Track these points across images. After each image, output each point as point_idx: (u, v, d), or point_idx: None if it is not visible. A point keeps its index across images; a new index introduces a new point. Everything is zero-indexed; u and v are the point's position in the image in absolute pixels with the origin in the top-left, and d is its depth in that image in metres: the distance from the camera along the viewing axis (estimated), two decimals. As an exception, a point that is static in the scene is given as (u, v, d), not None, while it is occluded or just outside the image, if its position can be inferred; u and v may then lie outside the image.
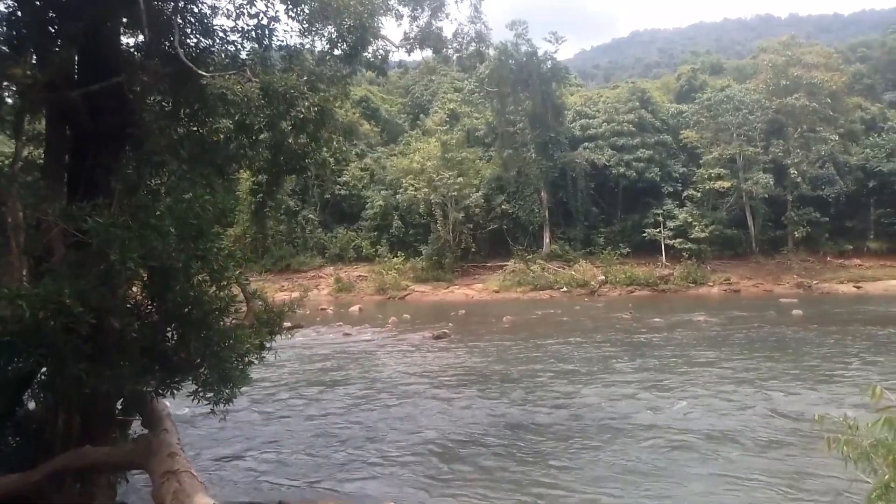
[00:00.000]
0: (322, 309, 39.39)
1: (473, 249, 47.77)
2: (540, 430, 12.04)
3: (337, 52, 9.17)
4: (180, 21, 7.42)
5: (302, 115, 6.67)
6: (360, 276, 48.94)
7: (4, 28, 7.24)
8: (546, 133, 47.01)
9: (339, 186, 54.47)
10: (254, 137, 7.73)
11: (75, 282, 5.87)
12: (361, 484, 9.68)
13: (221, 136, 7.83)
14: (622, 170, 46.15)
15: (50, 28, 7.37)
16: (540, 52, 47.07)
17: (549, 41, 47.14)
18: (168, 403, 10.20)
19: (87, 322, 5.97)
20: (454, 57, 17.82)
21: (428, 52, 17.82)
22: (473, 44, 17.12)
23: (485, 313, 33.72)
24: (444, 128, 53.54)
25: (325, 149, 18.78)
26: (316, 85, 8.26)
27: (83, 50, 7.96)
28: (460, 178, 46.44)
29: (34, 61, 7.40)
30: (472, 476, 9.88)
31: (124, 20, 7.64)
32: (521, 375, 17.14)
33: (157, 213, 6.07)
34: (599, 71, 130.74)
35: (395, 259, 48.35)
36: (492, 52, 48.23)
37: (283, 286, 50.11)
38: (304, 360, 20.59)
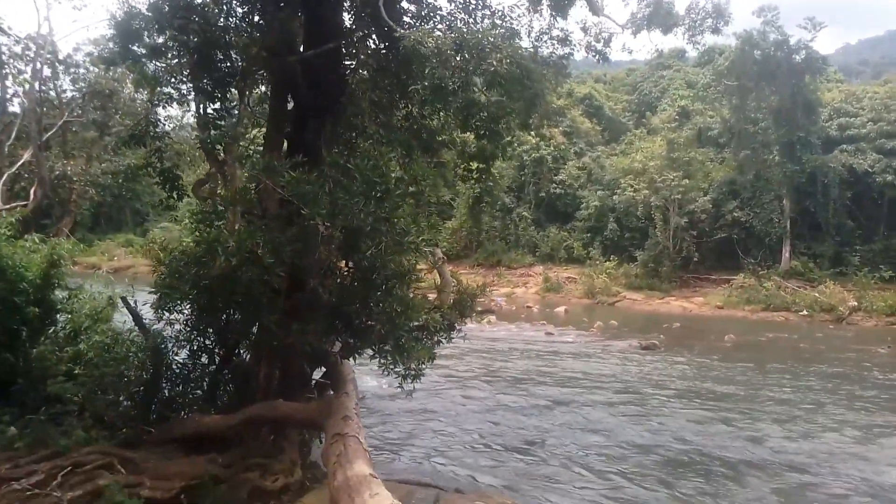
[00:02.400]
0: (528, 307, 39.11)
1: (696, 259, 43.76)
2: (732, 465, 10.20)
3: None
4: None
5: (494, 68, 6.14)
6: (569, 277, 47.77)
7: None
8: (794, 132, 41.19)
9: (554, 185, 53.75)
10: (449, 99, 7.39)
11: (270, 234, 6.02)
12: (537, 492, 8.93)
13: (418, 99, 7.57)
14: (890, 178, 38.73)
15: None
16: (792, 41, 41.34)
17: (805, 27, 41.20)
18: (358, 373, 10.51)
19: (277, 274, 6.11)
20: (686, 37, 16.03)
21: (657, 35, 16.34)
22: (710, 19, 15.17)
23: (703, 329, 30.60)
24: (673, 125, 49.85)
25: (532, 133, 18.18)
26: (515, 46, 7.60)
27: (307, 16, 8.34)
28: (686, 180, 42.83)
29: (258, 27, 7.87)
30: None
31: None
32: (734, 399, 14.92)
33: (346, 171, 5.98)
34: (867, 68, 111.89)
35: (608, 263, 46.25)
36: (733, 41, 43.79)
37: (492, 281, 51.06)
38: (500, 354, 20.34)
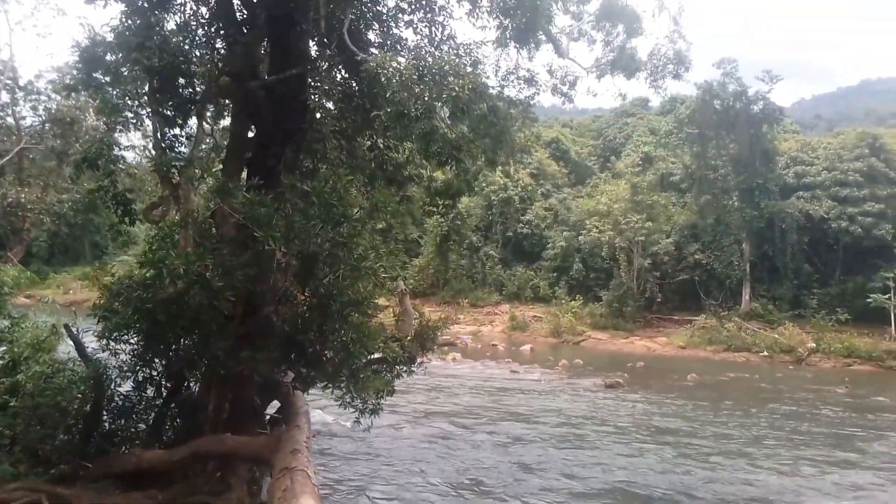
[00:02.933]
0: (493, 345, 38.90)
1: (659, 300, 44.33)
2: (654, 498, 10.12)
3: (508, 35, 8.48)
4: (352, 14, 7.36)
5: (455, 93, 6.14)
6: (535, 316, 47.82)
7: (196, 20, 7.73)
8: (752, 179, 42.54)
9: (521, 225, 54.29)
10: (411, 126, 7.36)
11: (221, 257, 5.82)
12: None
13: (380, 126, 7.53)
14: (844, 224, 40.10)
15: (238, 16, 7.69)
16: (750, 92, 43.03)
17: (762, 80, 42.97)
18: (314, 408, 10.17)
19: (227, 299, 5.89)
20: (648, 82, 16.49)
21: (620, 79, 16.77)
22: (671, 65, 15.67)
23: (666, 368, 30.76)
24: (636, 170, 51.07)
25: (499, 170, 18.30)
26: (477, 74, 7.67)
27: (272, 42, 8.30)
28: (649, 223, 43.68)
29: (221, 52, 7.80)
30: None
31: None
32: (696, 437, 14.90)
33: (304, 195, 5.86)
34: (821, 121, 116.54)
35: (573, 302, 46.48)
36: (694, 91, 45.41)
37: (459, 319, 50.83)
38: (463, 391, 20.09)
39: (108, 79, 8.95)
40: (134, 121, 9.32)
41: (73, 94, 15.96)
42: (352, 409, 9.30)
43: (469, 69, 7.21)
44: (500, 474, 11.10)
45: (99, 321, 6.05)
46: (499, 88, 14.32)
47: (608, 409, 18.10)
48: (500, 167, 18.51)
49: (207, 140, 9.32)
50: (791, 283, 41.71)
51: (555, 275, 51.15)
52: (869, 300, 37.78)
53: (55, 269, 51.06)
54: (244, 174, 8.66)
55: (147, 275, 5.69)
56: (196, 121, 8.43)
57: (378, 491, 10.00)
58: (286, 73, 7.71)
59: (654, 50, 16.03)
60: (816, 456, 13.70)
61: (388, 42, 8.20)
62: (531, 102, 15.17)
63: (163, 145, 8.18)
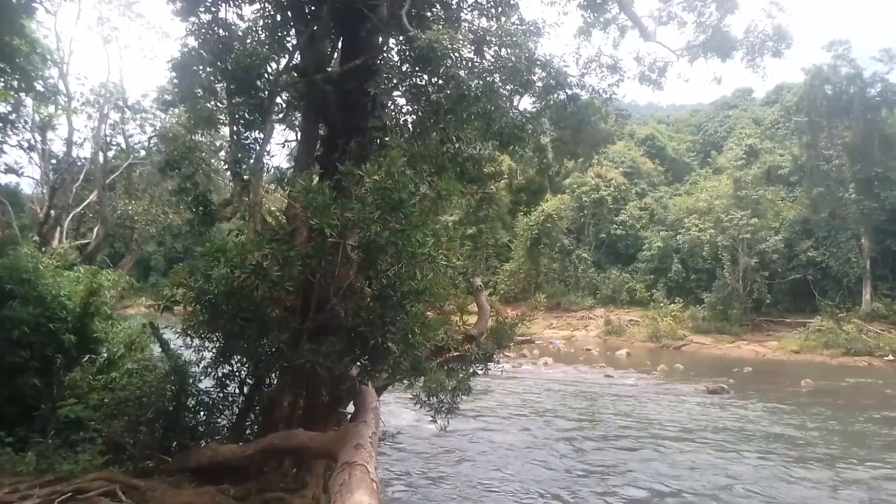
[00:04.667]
0: (587, 350, 37.73)
1: (768, 301, 41.44)
2: None
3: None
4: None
5: (512, 63, 5.72)
6: (631, 320, 46.03)
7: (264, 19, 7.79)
8: (871, 169, 38.83)
9: (615, 226, 52.52)
10: (471, 107, 6.99)
11: (279, 247, 5.73)
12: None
13: (442, 111, 7.21)
14: (980, 214, 35.86)
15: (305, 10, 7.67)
16: (866, 74, 39.42)
17: (880, 60, 39.22)
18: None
19: (286, 289, 5.80)
20: (745, 62, 15.28)
21: (714, 62, 15.68)
22: (770, 42, 14.44)
23: (777, 373, 28.54)
24: (739, 163, 48.09)
25: (581, 162, 17.58)
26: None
27: (344, 38, 8.26)
28: (755, 220, 40.92)
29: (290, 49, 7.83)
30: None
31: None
32: (811, 445, 13.49)
33: (358, 180, 5.67)
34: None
35: (673, 305, 44.35)
36: (802, 77, 42.19)
37: (552, 324, 49.79)
38: (552, 396, 19.42)
39: (199, 91, 9.29)
40: (214, 124, 9.62)
41: (171, 109, 16.86)
42: (427, 409, 9.24)
43: (530, 38, 6.76)
44: (578, 479, 10.47)
45: (162, 312, 6.13)
46: (579, 77, 13.84)
47: (709, 416, 16.85)
48: (584, 162, 17.80)
49: (282, 140, 9.44)
50: (919, 281, 37.72)
51: (652, 277, 49.07)
52: None
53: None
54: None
55: (203, 262, 5.69)
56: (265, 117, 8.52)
57: (445, 490, 9.70)
58: (351, 65, 7.59)
59: (750, 27, 14.87)
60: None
61: (454, 25, 7.91)
62: (615, 91, 14.46)
63: (237, 144, 8.33)
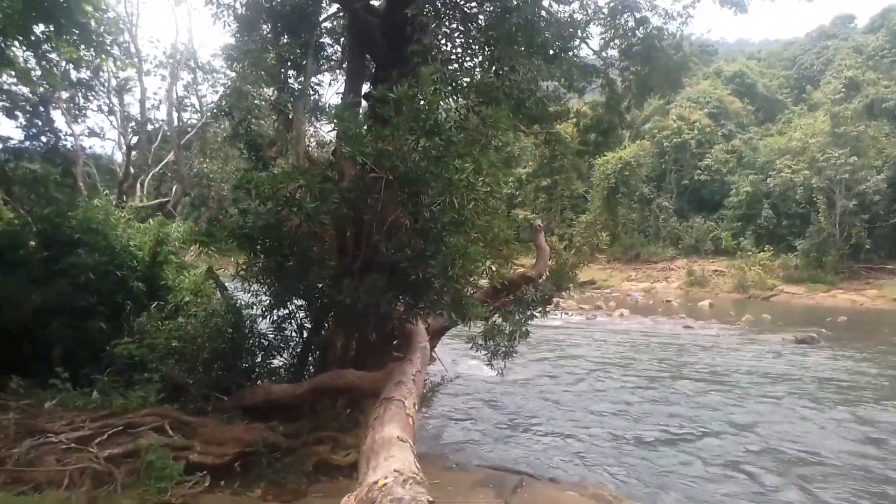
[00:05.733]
0: (667, 301, 36.43)
1: (868, 247, 38.39)
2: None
3: None
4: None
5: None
6: (716, 270, 43.99)
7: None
8: None
9: (699, 171, 49.83)
10: (511, 17, 6.42)
11: (313, 178, 5.53)
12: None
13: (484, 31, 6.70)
14: None
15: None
16: None
17: None
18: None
19: (322, 223, 5.62)
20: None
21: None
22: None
23: (876, 322, 26.54)
24: (838, 97, 44.15)
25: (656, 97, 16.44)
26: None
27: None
28: (855, 158, 37.68)
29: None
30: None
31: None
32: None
33: (393, 105, 5.34)
34: None
35: (762, 254, 41.94)
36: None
37: (630, 276, 48.39)
38: (626, 347, 18.80)
39: (259, 45, 9.24)
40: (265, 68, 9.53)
41: (236, 64, 17.00)
42: (485, 352, 9.02)
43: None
44: (616, 428, 10.00)
45: (198, 245, 6.12)
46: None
47: (795, 365, 15.78)
48: (658, 97, 16.61)
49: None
50: None
51: (739, 224, 46.49)
52: None
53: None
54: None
55: (237, 196, 5.58)
56: (314, 57, 8.33)
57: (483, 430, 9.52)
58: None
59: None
60: None
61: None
62: (690, 14, 13.24)
63: (282, 84, 8.20)
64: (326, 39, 10.43)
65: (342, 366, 7.86)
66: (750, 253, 42.57)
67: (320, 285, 6.17)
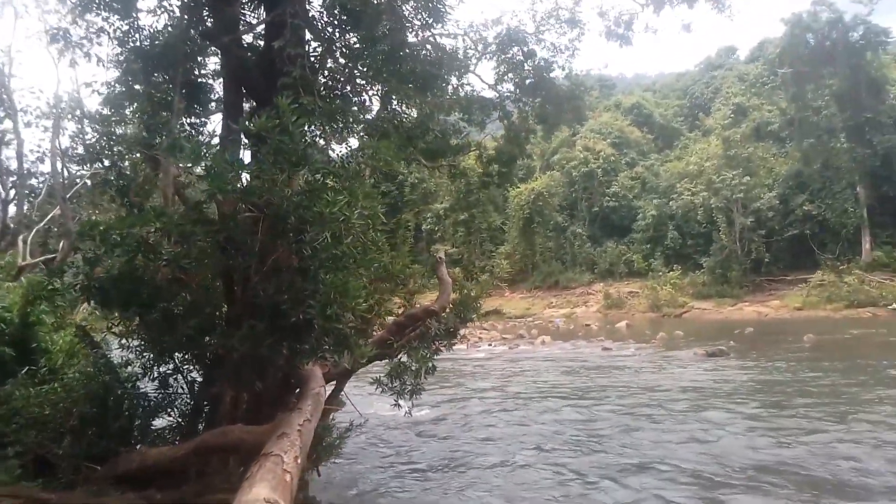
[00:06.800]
0: (586, 325, 37.16)
1: (767, 260, 40.76)
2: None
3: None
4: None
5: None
6: (631, 291, 45.47)
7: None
8: (860, 114, 38.03)
9: (607, 198, 51.86)
10: (377, 47, 6.31)
11: (169, 220, 5.09)
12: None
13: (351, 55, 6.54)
14: (977, 151, 35.05)
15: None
16: (847, 18, 38.50)
17: (859, 2, 38.28)
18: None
19: (183, 267, 5.18)
20: (711, 4, 14.54)
21: (682, 8, 14.94)
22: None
23: (780, 332, 27.89)
24: (727, 122, 47.26)
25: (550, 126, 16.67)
26: None
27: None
28: (748, 178, 40.24)
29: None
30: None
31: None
32: (822, 400, 12.82)
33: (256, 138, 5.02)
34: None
35: (671, 273, 43.74)
36: (781, 26, 41.31)
37: (551, 303, 49.21)
38: (548, 372, 18.83)
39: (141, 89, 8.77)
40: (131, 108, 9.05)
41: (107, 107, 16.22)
42: (390, 393, 8.62)
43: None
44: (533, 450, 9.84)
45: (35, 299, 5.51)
46: (535, 33, 13.10)
47: (703, 379, 16.20)
48: (552, 128, 17.04)
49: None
50: (919, 225, 37.01)
51: (648, 246, 48.44)
52: None
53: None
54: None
55: (82, 246, 5.07)
56: (189, 96, 7.91)
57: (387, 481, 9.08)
58: (259, 23, 6.93)
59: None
60: None
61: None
62: (576, 47, 13.71)
63: (147, 125, 7.74)
64: (211, 80, 10.06)
65: (232, 421, 7.26)
66: (660, 273, 44.28)
67: (207, 338, 5.66)
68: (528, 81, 12.85)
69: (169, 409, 7.99)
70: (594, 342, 27.42)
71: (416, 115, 10.50)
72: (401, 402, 8.61)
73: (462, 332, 9.10)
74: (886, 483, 7.63)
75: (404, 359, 8.31)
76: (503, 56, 12.49)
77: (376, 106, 9.60)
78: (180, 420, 8.07)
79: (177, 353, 7.40)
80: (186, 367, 7.78)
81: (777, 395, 13.64)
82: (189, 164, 5.22)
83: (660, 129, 61.38)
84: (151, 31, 8.59)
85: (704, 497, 7.46)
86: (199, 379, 7.99)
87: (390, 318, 8.80)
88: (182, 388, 7.95)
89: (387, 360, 8.66)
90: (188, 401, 8.02)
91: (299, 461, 5.06)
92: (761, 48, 60.96)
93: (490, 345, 28.45)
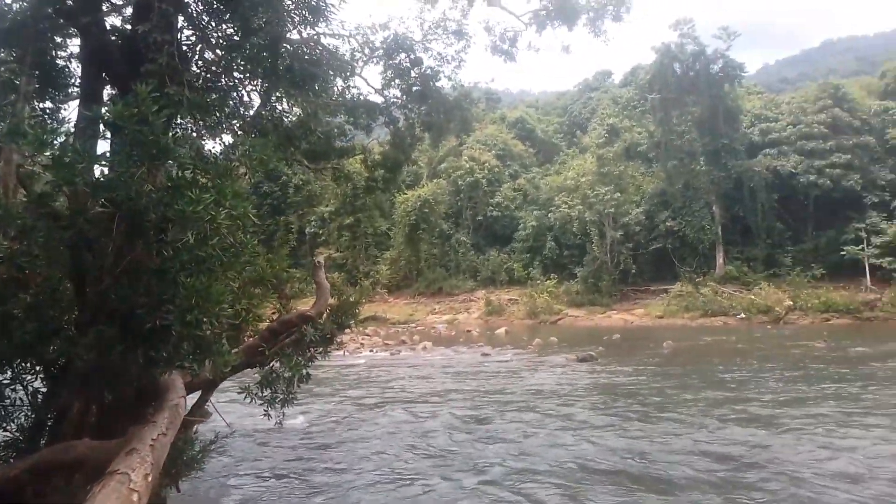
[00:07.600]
0: (467, 331, 37.88)
1: (634, 271, 43.67)
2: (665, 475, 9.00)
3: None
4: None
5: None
6: (511, 299, 46.92)
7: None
8: (717, 140, 41.89)
9: (491, 208, 53.35)
10: (254, 40, 6.11)
11: (4, 213, 4.57)
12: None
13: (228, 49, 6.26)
14: (812, 178, 39.59)
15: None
16: (709, 51, 42.29)
17: (719, 38, 42.21)
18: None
19: (21, 268, 4.67)
20: (589, 28, 15.40)
21: (562, 30, 15.69)
22: (611, 7, 14.61)
23: (643, 338, 29.91)
24: (601, 142, 50.30)
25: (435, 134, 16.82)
26: None
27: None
28: (618, 194, 42.95)
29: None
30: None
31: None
32: (666, 402, 13.86)
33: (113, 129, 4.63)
34: (787, 85, 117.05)
35: (548, 282, 45.67)
36: (652, 54, 44.56)
37: (434, 309, 49.70)
38: (427, 378, 18.97)
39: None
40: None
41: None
42: (259, 401, 8.27)
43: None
44: (411, 456, 9.95)
45: None
46: (422, 41, 13.24)
47: (573, 382, 17.04)
48: (439, 135, 17.25)
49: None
50: (764, 243, 41.20)
51: (528, 256, 50.31)
52: (843, 253, 37.38)
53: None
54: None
55: None
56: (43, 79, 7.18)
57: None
58: (131, 2, 6.43)
59: (591, -8, 15.03)
60: (787, 410, 12.73)
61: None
62: (462, 58, 14.00)
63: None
64: (70, 63, 9.21)
65: (79, 436, 6.59)
66: (538, 281, 46.08)
67: (52, 346, 5.11)
68: (414, 88, 12.94)
69: (5, 424, 7.21)
70: (474, 347, 27.99)
71: (298, 115, 10.24)
72: (271, 412, 8.31)
73: (340, 338, 8.94)
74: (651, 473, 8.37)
75: (277, 366, 8.03)
76: (390, 61, 12.49)
77: (257, 102, 9.31)
78: (18, 435, 7.30)
79: (15, 361, 6.69)
80: (27, 376, 7.06)
81: (613, 396, 14.77)
82: (33, 152, 4.68)
83: (541, 144, 64.11)
84: (2, 4, 7.75)
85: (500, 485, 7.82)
86: (44, 389, 7.28)
87: (264, 325, 8.48)
88: (21, 399, 7.21)
89: (258, 369, 8.31)
90: (29, 414, 7.27)
91: (150, 479, 4.69)
92: (634, 73, 65.38)
93: (372, 351, 28.21)
